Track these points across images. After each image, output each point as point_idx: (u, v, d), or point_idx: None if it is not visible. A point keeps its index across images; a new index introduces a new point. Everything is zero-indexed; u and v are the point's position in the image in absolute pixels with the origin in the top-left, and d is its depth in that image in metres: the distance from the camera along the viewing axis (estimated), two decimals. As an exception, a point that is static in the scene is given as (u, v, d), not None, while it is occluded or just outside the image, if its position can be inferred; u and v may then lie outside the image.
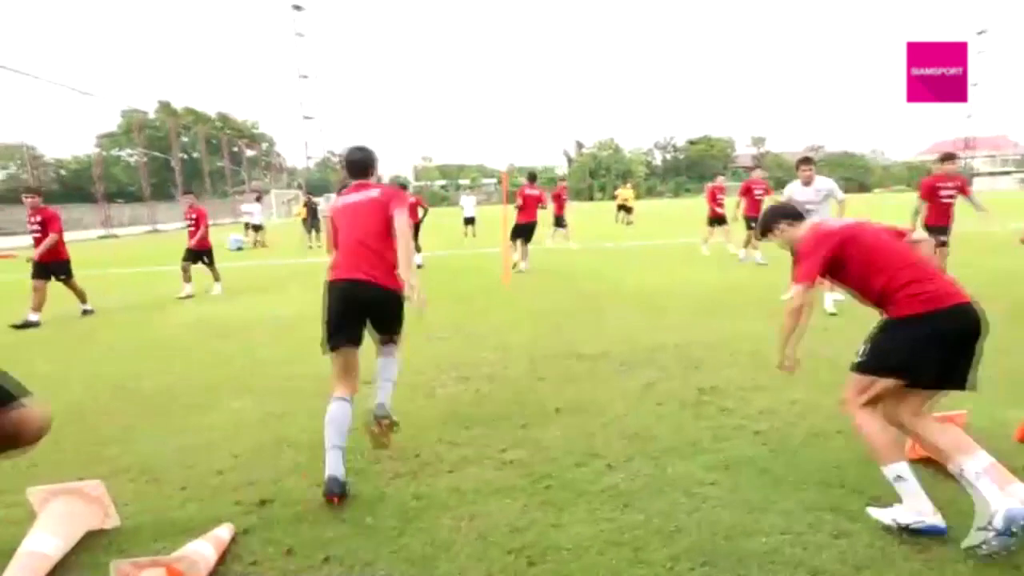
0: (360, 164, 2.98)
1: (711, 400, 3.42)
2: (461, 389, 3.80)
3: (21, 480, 2.51)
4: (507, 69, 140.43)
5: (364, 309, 2.74)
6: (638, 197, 28.04)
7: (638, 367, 4.12)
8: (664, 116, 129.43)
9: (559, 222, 13.08)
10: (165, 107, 50.72)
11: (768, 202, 8.80)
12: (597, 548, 2.04)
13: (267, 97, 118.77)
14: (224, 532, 2.13)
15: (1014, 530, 1.86)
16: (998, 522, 1.86)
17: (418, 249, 10.01)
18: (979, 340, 2.09)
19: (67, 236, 7.21)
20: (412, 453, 2.85)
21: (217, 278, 8.59)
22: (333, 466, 2.43)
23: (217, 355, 4.97)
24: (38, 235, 6.73)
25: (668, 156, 71.45)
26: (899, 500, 2.11)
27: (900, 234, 2.39)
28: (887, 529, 2.11)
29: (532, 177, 10.40)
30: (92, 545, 2.17)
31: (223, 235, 17.65)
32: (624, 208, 21.36)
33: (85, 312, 7.07)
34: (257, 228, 17.85)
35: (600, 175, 63.32)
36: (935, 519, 2.04)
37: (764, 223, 2.60)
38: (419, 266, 9.11)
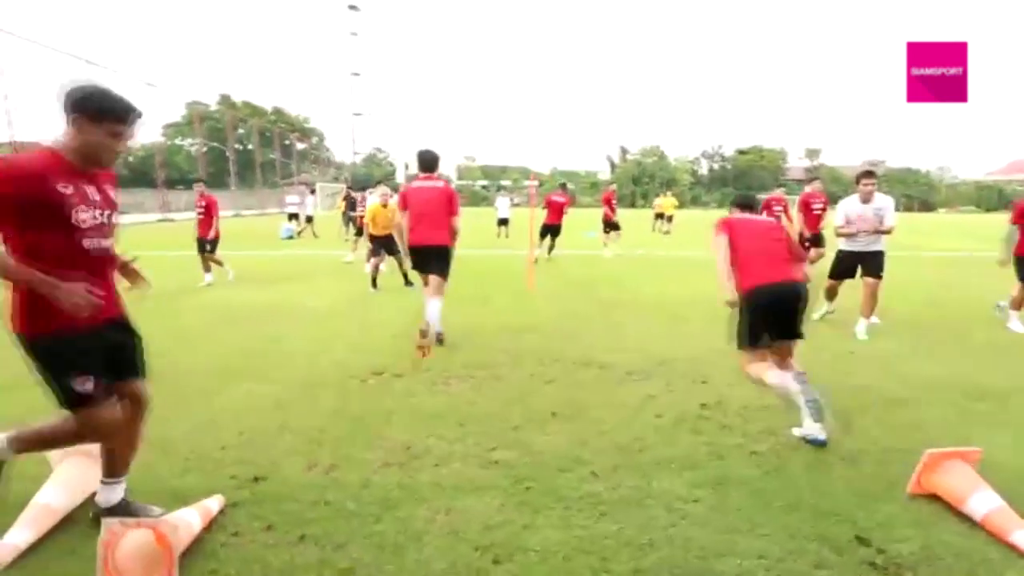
0: (429, 162, 4.98)
1: (712, 416, 3.34)
2: (465, 387, 3.86)
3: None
4: (554, 71, 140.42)
5: (430, 255, 4.85)
6: (681, 206, 27.48)
7: (644, 377, 4.07)
8: (713, 124, 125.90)
9: (611, 226, 12.76)
10: (225, 100, 53.29)
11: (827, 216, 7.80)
12: (564, 554, 2.05)
13: (320, 93, 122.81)
14: (214, 503, 2.26)
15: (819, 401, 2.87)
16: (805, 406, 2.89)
17: None
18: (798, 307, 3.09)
19: (127, 219, 7.76)
20: (404, 445, 2.92)
21: (208, 269, 8.40)
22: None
23: (242, 341, 5.20)
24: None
25: (715, 166, 69.61)
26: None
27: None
28: (873, 566, 2.02)
29: (563, 185, 12.54)
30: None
31: (273, 225, 18.38)
32: (661, 216, 21.03)
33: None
34: (309, 219, 18.65)
35: (644, 182, 62.29)
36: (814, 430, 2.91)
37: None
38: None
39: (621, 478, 2.60)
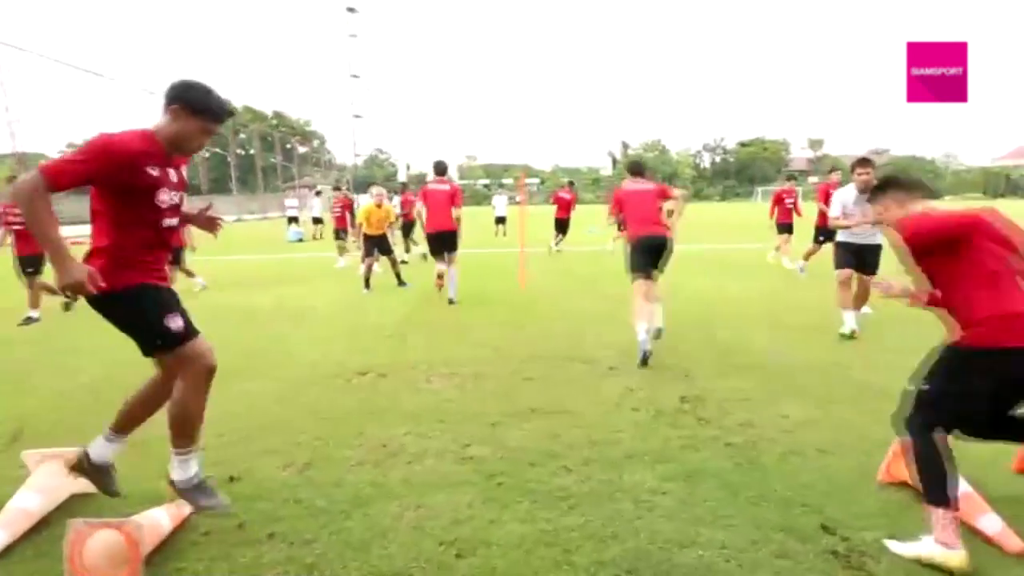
0: (441, 168, 7.18)
1: (690, 409, 3.35)
2: (446, 385, 3.88)
3: (39, 446, 2.75)
4: (553, 68, 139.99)
5: (443, 238, 6.89)
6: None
7: (625, 373, 4.08)
8: (714, 117, 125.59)
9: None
10: (227, 105, 53.60)
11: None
12: (527, 547, 2.07)
13: (319, 96, 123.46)
14: (185, 504, 2.29)
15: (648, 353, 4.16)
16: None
17: (415, 243, 12.09)
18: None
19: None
20: (380, 443, 2.95)
21: (191, 275, 8.31)
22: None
23: (230, 343, 5.25)
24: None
25: (717, 159, 69.26)
26: None
27: None
28: (835, 555, 2.03)
29: (570, 183, 14.63)
30: (74, 507, 2.38)
31: (275, 229, 18.47)
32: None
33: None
34: (317, 221, 18.78)
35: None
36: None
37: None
38: (424, 255, 10.54)
39: (591, 472, 2.61)
